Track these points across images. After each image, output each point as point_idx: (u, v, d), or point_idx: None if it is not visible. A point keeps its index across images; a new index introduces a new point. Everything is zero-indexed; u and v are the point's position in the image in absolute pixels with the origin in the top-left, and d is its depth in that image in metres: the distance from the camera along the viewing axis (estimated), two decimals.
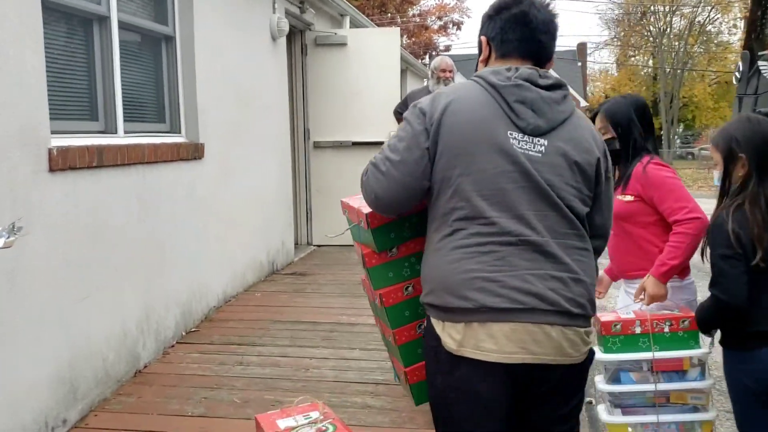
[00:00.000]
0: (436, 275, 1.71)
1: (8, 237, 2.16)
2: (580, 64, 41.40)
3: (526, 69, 1.71)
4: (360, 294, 4.50)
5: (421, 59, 25.86)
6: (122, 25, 3.99)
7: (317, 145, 7.67)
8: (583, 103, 39.55)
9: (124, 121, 3.98)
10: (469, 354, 1.65)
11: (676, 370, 2.56)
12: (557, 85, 1.73)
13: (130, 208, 3.87)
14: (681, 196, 2.59)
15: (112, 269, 3.70)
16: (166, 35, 4.57)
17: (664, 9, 38.85)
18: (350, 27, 8.46)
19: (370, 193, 1.77)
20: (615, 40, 44.90)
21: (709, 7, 36.35)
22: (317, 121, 7.65)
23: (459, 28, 34.06)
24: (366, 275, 2.03)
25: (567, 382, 1.73)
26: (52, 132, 3.22)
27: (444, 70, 6.37)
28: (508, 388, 1.68)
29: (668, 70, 38.35)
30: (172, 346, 4.30)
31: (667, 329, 2.53)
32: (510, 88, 1.67)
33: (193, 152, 4.63)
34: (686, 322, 2.52)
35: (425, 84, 6.61)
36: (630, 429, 2.58)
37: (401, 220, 1.92)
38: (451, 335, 1.67)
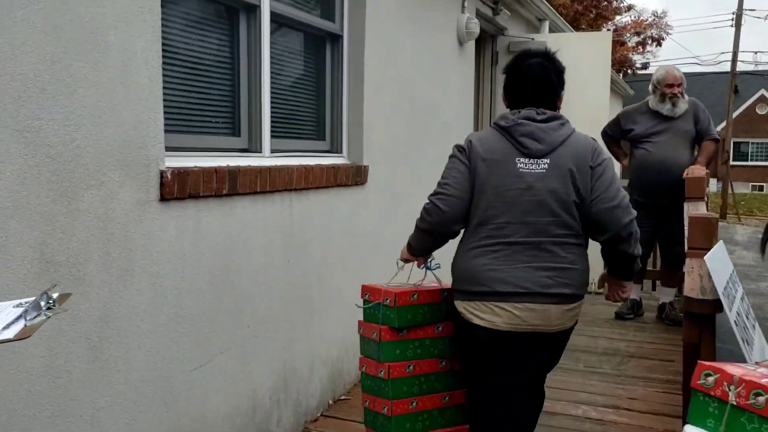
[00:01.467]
0: (458, 267, 2.38)
1: (34, 317, 1.37)
2: None
3: (525, 110, 2.36)
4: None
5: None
6: (276, 18, 3.20)
7: None
8: None
9: (271, 137, 3.19)
10: (484, 324, 2.29)
11: None
12: (552, 118, 2.36)
13: (271, 247, 3.06)
14: None
15: (243, 324, 2.89)
16: (331, 33, 3.74)
17: None
18: (549, 33, 7.30)
19: (436, 212, 2.37)
20: None
21: None
22: None
23: (659, 44, 30.91)
24: (368, 349, 2.55)
25: (555, 344, 2.43)
26: (169, 149, 2.47)
27: (671, 85, 5.01)
28: (514, 347, 2.32)
29: None
30: (315, 420, 3.42)
31: None
32: (514, 126, 2.32)
33: (355, 176, 3.76)
34: None
35: (645, 100, 5.29)
36: None
37: (418, 305, 2.53)
38: (468, 310, 2.33)
